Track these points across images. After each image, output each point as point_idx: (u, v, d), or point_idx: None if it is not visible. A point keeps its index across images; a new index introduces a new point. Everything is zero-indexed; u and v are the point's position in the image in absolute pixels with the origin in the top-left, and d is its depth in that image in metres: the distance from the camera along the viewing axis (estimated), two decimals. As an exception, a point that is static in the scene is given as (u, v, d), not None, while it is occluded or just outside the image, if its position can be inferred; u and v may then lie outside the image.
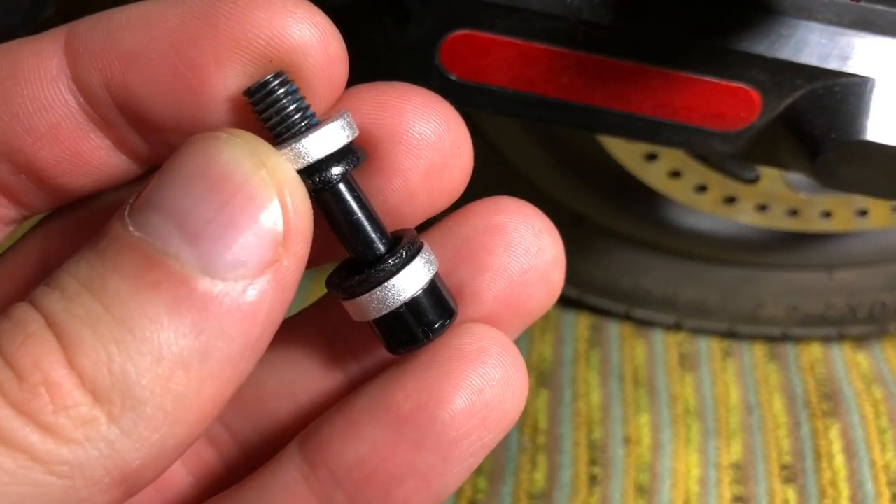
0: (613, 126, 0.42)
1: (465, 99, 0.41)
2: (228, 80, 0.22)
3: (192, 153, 0.20)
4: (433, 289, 0.24)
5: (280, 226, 0.20)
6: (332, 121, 0.22)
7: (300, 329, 0.28)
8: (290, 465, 0.25)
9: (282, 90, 0.22)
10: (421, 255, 0.24)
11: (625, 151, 0.52)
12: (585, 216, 0.59)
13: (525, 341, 0.64)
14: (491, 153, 0.56)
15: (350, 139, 0.23)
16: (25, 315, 0.20)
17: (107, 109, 0.23)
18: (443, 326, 0.24)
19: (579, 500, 0.55)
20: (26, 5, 0.38)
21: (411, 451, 0.23)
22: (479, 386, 0.24)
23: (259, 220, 0.20)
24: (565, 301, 0.66)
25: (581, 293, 0.64)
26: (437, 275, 0.24)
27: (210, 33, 0.22)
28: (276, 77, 0.22)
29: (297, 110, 0.22)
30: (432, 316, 0.24)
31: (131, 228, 0.20)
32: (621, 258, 0.62)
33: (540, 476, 0.56)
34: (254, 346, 0.20)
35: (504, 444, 0.57)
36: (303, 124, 0.22)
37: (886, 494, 0.55)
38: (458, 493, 0.55)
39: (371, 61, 0.48)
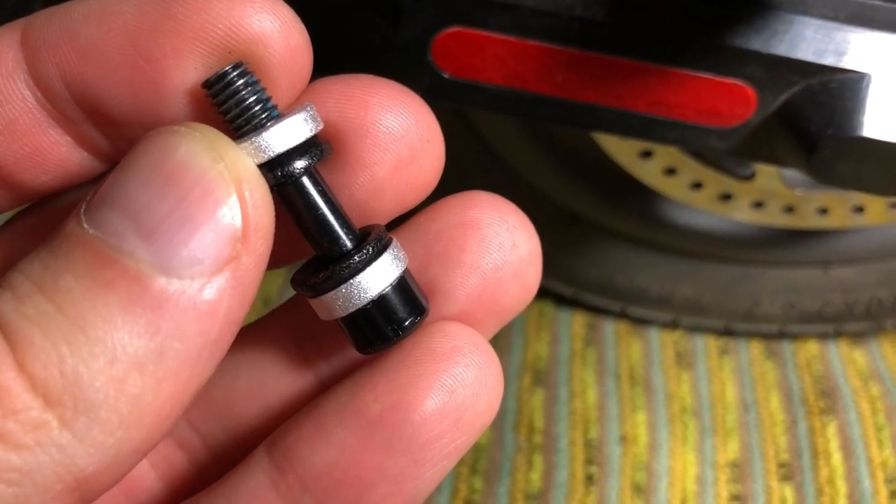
0: (608, 123, 0.42)
1: (457, 96, 0.41)
2: (187, 73, 0.21)
3: (149, 148, 0.20)
4: (402, 285, 0.23)
5: (238, 222, 0.19)
6: (295, 113, 0.22)
7: (270, 330, 0.27)
8: (258, 470, 0.24)
9: (241, 81, 0.21)
10: (389, 250, 0.23)
11: (619, 149, 0.52)
12: (581, 214, 0.59)
13: (520, 340, 0.64)
14: (485, 151, 0.55)
15: (313, 132, 0.22)
16: None
17: (65, 104, 0.22)
18: (413, 324, 0.23)
19: (576, 500, 0.54)
20: (11, 3, 0.37)
21: (381, 455, 0.23)
22: (451, 386, 0.23)
23: (217, 215, 0.19)
24: (561, 299, 0.65)
25: (576, 291, 0.63)
26: (406, 271, 0.24)
27: (168, 25, 0.21)
28: (234, 68, 0.21)
29: (257, 102, 0.21)
30: (402, 313, 0.23)
31: (86, 226, 0.19)
32: (617, 256, 0.61)
33: (536, 476, 0.56)
34: (213, 346, 0.20)
35: (500, 444, 0.57)
36: (263, 116, 0.21)
37: (884, 491, 0.55)
38: (454, 492, 0.55)
39: (363, 60, 0.48)
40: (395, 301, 0.23)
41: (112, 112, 0.22)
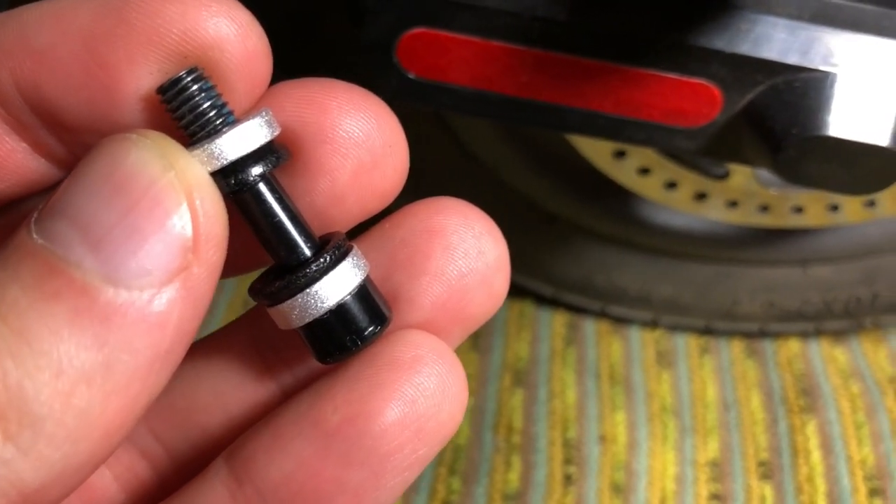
0: (575, 124, 0.42)
1: (425, 97, 0.41)
2: (142, 79, 0.21)
3: (99, 156, 0.19)
4: (362, 294, 0.23)
5: (189, 231, 0.19)
6: (250, 119, 0.21)
7: (232, 339, 0.27)
8: (216, 481, 0.24)
9: (195, 87, 0.21)
10: (348, 258, 0.23)
11: (593, 149, 0.52)
12: (559, 214, 0.59)
13: (501, 340, 0.64)
14: (462, 152, 0.55)
15: (269, 138, 0.22)
16: None
17: (20, 110, 0.22)
18: (373, 334, 0.23)
19: (554, 500, 0.54)
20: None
21: (340, 467, 0.22)
22: (412, 396, 0.23)
23: (166, 225, 0.19)
24: (541, 299, 0.65)
25: (556, 291, 0.63)
26: (367, 279, 0.23)
27: (122, 29, 0.21)
28: (189, 73, 0.21)
29: (211, 108, 0.21)
30: (362, 323, 0.23)
31: (35, 236, 0.19)
32: (596, 255, 0.61)
33: (514, 476, 0.56)
34: (164, 358, 0.19)
35: (478, 444, 0.57)
36: (218, 123, 0.21)
37: (863, 489, 0.55)
38: (432, 493, 0.55)
39: (330, 61, 0.48)
40: (355, 310, 0.23)
41: (67, 118, 0.22)
